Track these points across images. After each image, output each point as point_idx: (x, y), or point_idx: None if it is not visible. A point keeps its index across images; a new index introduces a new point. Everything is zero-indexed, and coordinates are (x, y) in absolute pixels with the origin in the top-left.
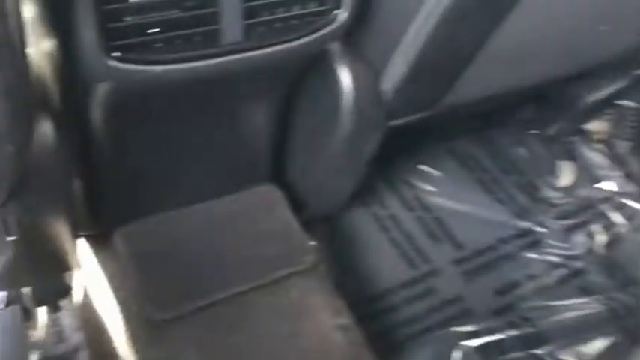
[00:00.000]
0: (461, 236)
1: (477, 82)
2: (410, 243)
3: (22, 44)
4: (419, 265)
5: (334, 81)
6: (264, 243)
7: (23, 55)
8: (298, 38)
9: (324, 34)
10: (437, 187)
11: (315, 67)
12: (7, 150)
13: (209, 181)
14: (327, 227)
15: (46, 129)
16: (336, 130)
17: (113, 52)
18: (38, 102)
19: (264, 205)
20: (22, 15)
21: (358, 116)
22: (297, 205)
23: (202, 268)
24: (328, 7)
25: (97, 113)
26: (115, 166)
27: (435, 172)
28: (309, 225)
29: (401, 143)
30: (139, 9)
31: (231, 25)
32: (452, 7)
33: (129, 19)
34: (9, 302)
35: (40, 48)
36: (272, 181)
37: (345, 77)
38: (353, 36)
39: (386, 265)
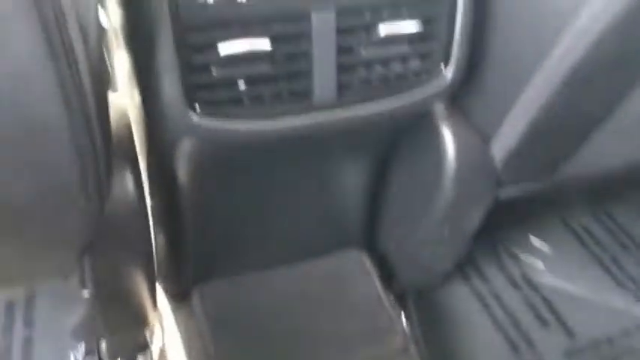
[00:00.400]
0: (574, 323)
1: (598, 153)
2: (514, 325)
3: (98, 92)
4: (523, 352)
5: (437, 145)
6: (349, 317)
7: (100, 105)
8: (398, 99)
9: (428, 95)
10: (547, 263)
11: (416, 128)
12: (79, 203)
13: (295, 243)
14: (421, 302)
15: (127, 182)
16: (436, 199)
17: (197, 106)
18: (122, 154)
19: (352, 273)
20: (104, 62)
21: (462, 185)
22: (387, 275)
23: (279, 339)
24: (433, 65)
25: (181, 168)
26: (197, 223)
27: (546, 246)
28: (400, 298)
29: (508, 210)
30: (226, 61)
31: (324, 81)
32: (576, 69)
33: (215, 72)
34: (87, 353)
35: (131, 99)
36: (362, 248)
37: (449, 141)
38: (459, 96)
39: (485, 349)
